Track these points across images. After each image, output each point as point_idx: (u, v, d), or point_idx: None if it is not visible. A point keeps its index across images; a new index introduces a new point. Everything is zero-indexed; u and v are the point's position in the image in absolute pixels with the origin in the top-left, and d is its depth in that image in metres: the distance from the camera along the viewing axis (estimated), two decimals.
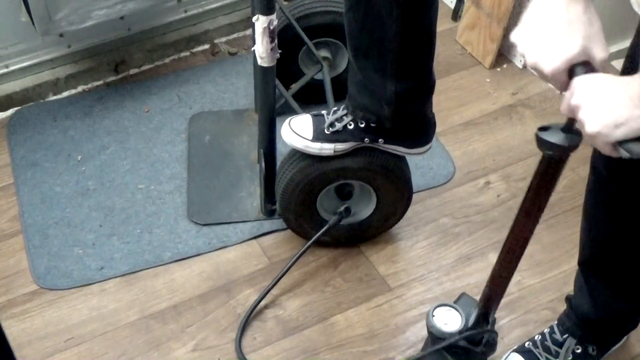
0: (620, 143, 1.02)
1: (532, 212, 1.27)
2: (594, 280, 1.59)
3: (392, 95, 1.67)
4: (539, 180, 1.22)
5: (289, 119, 1.82)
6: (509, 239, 1.35)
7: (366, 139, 1.73)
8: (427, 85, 1.72)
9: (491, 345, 1.59)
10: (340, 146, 1.74)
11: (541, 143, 1.13)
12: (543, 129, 1.13)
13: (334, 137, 1.74)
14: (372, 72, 1.66)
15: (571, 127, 1.10)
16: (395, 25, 1.57)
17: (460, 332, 1.54)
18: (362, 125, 1.73)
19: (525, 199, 1.26)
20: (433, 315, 1.58)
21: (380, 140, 1.75)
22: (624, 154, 1.02)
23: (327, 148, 1.75)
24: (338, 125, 1.74)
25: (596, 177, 1.46)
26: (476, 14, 2.42)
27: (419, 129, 1.79)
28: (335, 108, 1.80)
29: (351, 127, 1.73)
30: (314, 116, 1.79)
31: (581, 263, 1.61)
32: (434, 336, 1.58)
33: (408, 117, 1.74)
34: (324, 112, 1.80)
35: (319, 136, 1.74)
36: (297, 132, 1.77)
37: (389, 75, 1.65)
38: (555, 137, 1.11)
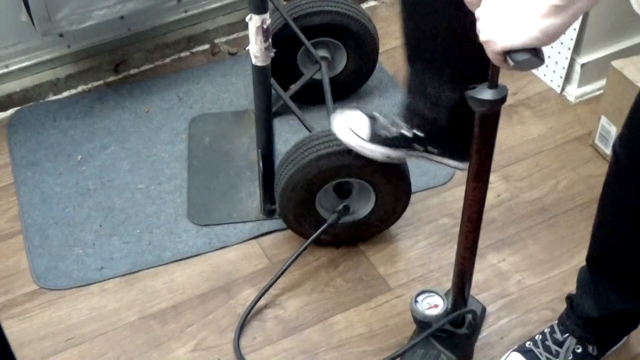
0: (509, 53, 1.11)
1: (480, 174, 1.36)
2: (600, 279, 1.59)
3: (449, 103, 1.61)
4: (479, 141, 1.32)
5: (340, 111, 1.73)
6: (465, 207, 1.42)
7: (416, 149, 1.65)
8: None
9: (474, 327, 1.61)
10: (392, 153, 1.68)
11: (473, 101, 1.24)
12: (471, 88, 1.24)
13: (387, 142, 1.67)
14: (429, 77, 1.60)
15: (496, 83, 1.22)
16: (452, 28, 1.51)
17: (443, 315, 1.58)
18: (414, 134, 1.65)
19: (471, 164, 1.35)
20: (416, 301, 1.61)
21: (431, 150, 1.69)
22: (510, 63, 1.11)
23: (379, 152, 1.68)
24: (392, 130, 1.67)
25: (617, 166, 1.44)
26: None
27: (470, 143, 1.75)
28: (388, 113, 1.73)
29: (404, 134, 1.66)
30: (369, 116, 1.72)
31: (589, 260, 1.61)
32: (418, 321, 1.60)
33: (464, 127, 1.66)
34: (375, 113, 1.73)
35: (374, 138, 1.67)
36: (354, 129, 1.70)
37: (446, 82, 1.59)
38: (484, 94, 1.23)
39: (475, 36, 1.54)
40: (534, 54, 1.10)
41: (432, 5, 1.52)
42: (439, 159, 1.73)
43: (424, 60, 1.60)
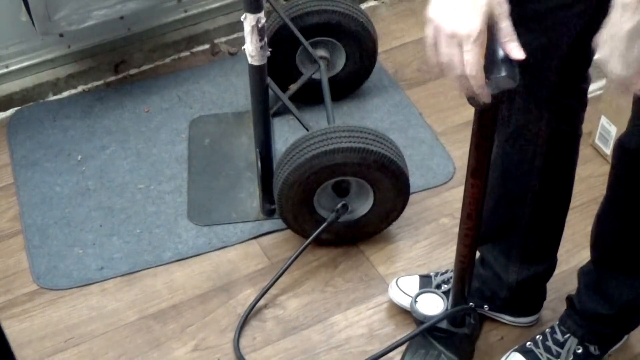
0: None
1: (478, 171, 1.36)
2: (610, 276, 1.59)
3: (513, 282, 1.69)
4: (477, 137, 1.31)
5: (397, 278, 1.83)
6: (464, 204, 1.41)
7: (471, 303, 1.68)
8: (549, 269, 1.73)
9: (474, 326, 1.61)
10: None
11: (470, 97, 1.20)
12: None
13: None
14: (497, 255, 1.68)
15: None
16: (527, 212, 1.58)
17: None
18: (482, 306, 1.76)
19: (469, 161, 1.35)
20: (416, 301, 1.61)
21: (485, 307, 1.77)
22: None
23: None
24: (445, 287, 1.75)
25: (626, 159, 1.44)
26: None
27: (531, 303, 1.79)
28: (442, 271, 1.82)
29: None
30: (422, 277, 1.81)
31: (598, 260, 1.61)
32: (418, 321, 1.60)
33: (524, 298, 1.75)
34: (432, 273, 1.81)
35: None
36: (404, 290, 1.80)
37: (513, 260, 1.66)
38: None
39: (546, 227, 1.64)
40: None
41: (514, 204, 1.59)
42: (492, 314, 1.79)
43: (496, 243, 1.68)
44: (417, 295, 1.63)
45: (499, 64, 1.12)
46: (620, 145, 1.44)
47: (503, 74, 1.12)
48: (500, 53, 1.13)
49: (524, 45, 1.12)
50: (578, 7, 1.33)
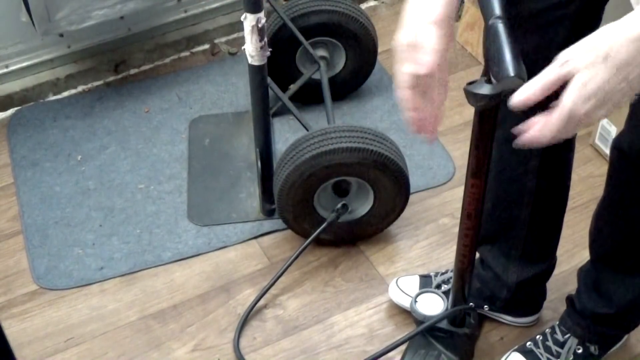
0: None
1: (479, 171, 1.36)
2: (610, 276, 1.59)
3: (513, 282, 1.69)
4: (477, 136, 1.31)
5: (397, 278, 1.83)
6: (464, 204, 1.42)
7: (471, 304, 1.67)
8: (549, 269, 1.73)
9: (474, 326, 1.61)
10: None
11: (471, 96, 1.22)
12: (469, 84, 1.22)
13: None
14: (496, 255, 1.68)
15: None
16: (525, 212, 1.58)
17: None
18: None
19: (469, 161, 1.35)
20: (416, 301, 1.61)
21: (485, 307, 1.77)
22: None
23: None
24: (445, 287, 1.75)
25: (624, 161, 1.44)
26: (476, 14, 2.42)
27: (531, 302, 1.79)
28: (442, 271, 1.81)
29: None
30: (422, 277, 1.81)
31: (598, 259, 1.61)
32: (418, 321, 1.61)
33: (524, 298, 1.75)
34: (432, 273, 1.81)
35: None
36: (404, 290, 1.80)
37: (512, 260, 1.66)
38: (482, 89, 1.21)
39: (545, 227, 1.63)
40: None
41: (512, 206, 1.59)
42: (492, 314, 1.80)
43: (495, 244, 1.68)
44: (417, 295, 1.63)
45: (506, 64, 1.11)
46: (615, 145, 1.45)
47: (512, 74, 1.11)
48: (507, 52, 1.12)
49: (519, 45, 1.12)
50: (572, 5, 1.33)
